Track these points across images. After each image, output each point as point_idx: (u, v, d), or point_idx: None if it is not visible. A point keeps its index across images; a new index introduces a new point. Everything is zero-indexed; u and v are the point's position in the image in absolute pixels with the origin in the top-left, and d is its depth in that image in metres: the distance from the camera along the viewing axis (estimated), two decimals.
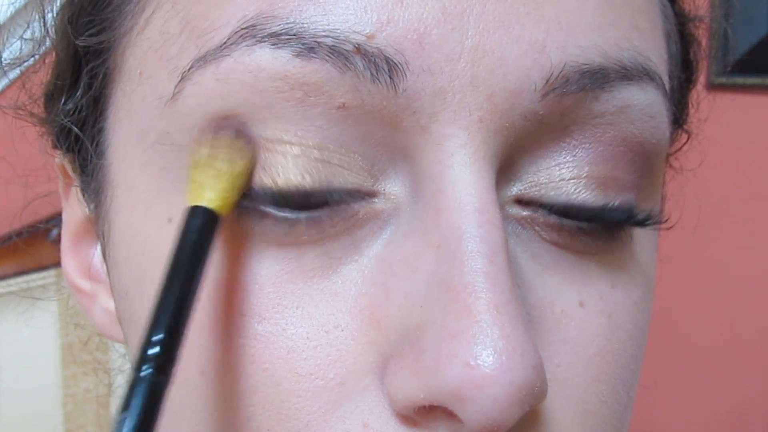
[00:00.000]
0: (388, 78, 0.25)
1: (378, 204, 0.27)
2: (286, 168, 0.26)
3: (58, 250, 0.39)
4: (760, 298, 1.22)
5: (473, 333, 0.24)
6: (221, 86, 0.26)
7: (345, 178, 0.26)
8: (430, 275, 0.25)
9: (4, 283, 1.07)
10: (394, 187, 0.27)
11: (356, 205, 0.26)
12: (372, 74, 0.25)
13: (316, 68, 0.25)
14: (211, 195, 0.26)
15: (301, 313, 0.26)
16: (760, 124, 1.20)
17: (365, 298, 0.26)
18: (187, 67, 0.27)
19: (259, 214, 0.26)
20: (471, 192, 0.25)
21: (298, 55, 0.25)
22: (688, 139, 0.41)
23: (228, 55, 0.26)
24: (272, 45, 0.25)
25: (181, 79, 0.27)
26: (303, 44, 0.25)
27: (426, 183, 0.26)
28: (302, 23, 0.25)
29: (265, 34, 0.25)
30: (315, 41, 0.25)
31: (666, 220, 0.32)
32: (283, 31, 0.25)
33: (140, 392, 0.23)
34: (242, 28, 0.26)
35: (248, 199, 0.26)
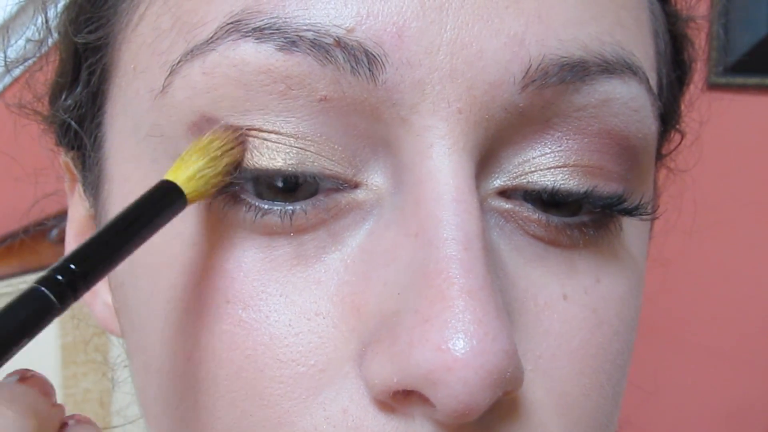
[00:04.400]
0: (368, 70, 0.25)
1: (360, 195, 0.27)
2: (268, 157, 0.26)
3: (59, 249, 0.40)
4: (759, 299, 1.23)
5: (445, 318, 0.24)
6: (207, 79, 0.26)
7: (323, 165, 0.27)
8: (408, 263, 0.26)
9: (4, 283, 1.07)
10: (376, 179, 0.27)
11: (338, 195, 0.27)
12: (352, 67, 0.25)
13: (298, 61, 0.26)
14: (186, 175, 0.26)
15: (284, 300, 0.27)
16: (760, 125, 1.20)
17: (347, 287, 0.27)
18: (176, 61, 0.27)
19: (244, 203, 0.27)
20: (449, 182, 0.26)
21: (280, 48, 0.26)
22: (682, 139, 0.41)
23: (214, 49, 0.26)
24: (256, 39, 0.26)
25: (170, 72, 0.27)
26: (285, 38, 0.26)
27: (407, 173, 0.26)
28: (285, 18, 0.26)
29: (250, 28, 0.26)
30: (297, 35, 0.26)
31: (656, 210, 0.32)
32: (267, 25, 0.26)
33: (30, 306, 0.22)
34: (228, 23, 0.26)
35: (232, 187, 0.27)
